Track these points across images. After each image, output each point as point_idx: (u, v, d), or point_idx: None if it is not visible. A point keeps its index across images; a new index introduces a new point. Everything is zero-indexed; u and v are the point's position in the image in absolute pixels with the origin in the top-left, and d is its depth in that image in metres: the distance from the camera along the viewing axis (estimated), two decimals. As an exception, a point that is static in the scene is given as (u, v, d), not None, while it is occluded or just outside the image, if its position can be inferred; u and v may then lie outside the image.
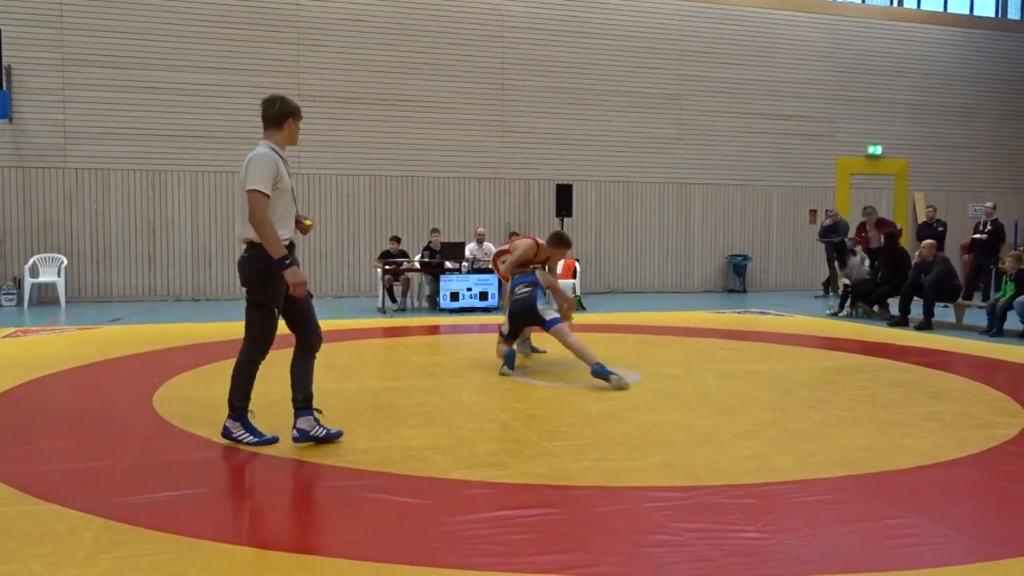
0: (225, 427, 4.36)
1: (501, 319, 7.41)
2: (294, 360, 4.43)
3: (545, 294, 6.78)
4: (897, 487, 3.70)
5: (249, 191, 4.06)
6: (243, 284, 4.27)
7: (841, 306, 11.99)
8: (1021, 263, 9.66)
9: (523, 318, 6.66)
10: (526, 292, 6.65)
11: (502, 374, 6.52)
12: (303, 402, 4.34)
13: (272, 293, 4.20)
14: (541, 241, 7.23)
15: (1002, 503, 3.57)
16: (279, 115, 4.28)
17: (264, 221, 4.03)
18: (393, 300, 12.69)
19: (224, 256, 14.44)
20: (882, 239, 11.93)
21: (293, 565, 2.76)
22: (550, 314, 6.54)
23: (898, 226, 12.47)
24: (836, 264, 12.79)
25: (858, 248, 12.23)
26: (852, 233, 13.62)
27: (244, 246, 4.23)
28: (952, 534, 3.13)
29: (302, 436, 4.28)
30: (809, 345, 8.57)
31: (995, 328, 9.53)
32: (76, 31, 13.54)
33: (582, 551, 2.90)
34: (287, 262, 4.08)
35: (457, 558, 2.82)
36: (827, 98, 17.75)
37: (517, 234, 14.12)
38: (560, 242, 7.07)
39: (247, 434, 4.33)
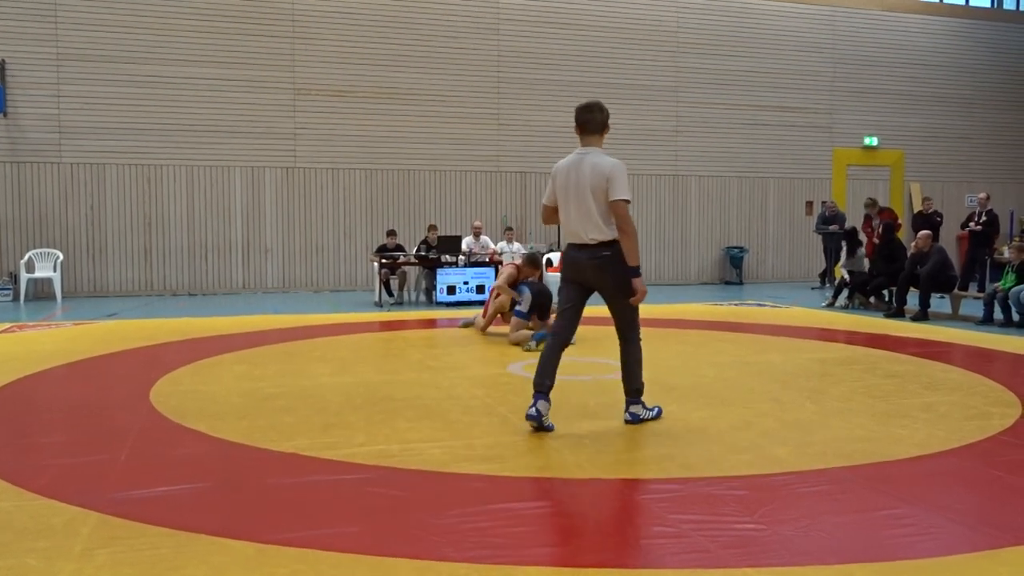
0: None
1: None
2: (623, 352, 4.70)
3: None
4: (893, 477, 3.71)
5: (620, 201, 4.35)
6: (612, 281, 4.47)
7: (835, 297, 11.99)
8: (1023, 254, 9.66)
9: (545, 300, 7.98)
10: (537, 283, 8.12)
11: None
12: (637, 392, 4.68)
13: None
14: (518, 262, 8.72)
15: (997, 493, 3.58)
16: (605, 122, 4.54)
17: (635, 230, 4.46)
18: (390, 294, 12.68)
19: (220, 250, 14.41)
20: (880, 229, 11.93)
21: (291, 559, 2.76)
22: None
23: (898, 221, 12.45)
24: (843, 253, 12.74)
25: (863, 239, 12.23)
26: (848, 224, 13.63)
27: (595, 246, 4.45)
28: (948, 524, 3.14)
29: (634, 420, 4.66)
30: (806, 336, 8.58)
31: (999, 318, 9.54)
32: (70, 26, 13.48)
33: (579, 543, 2.91)
34: (640, 271, 4.50)
35: (455, 551, 2.82)
36: (823, 89, 17.74)
37: (512, 229, 14.12)
38: (530, 263, 8.49)
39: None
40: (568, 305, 4.64)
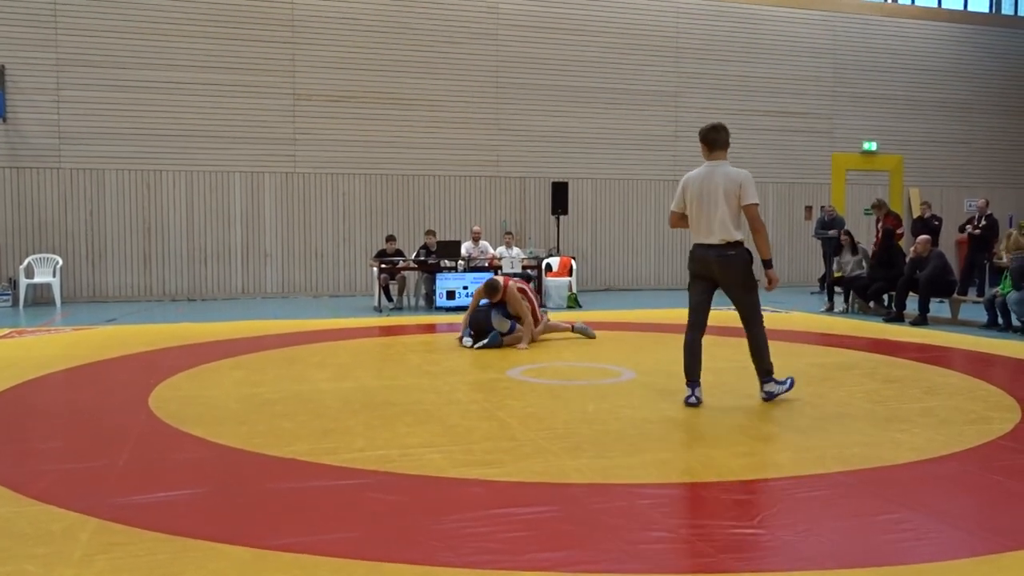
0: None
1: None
2: (750, 337, 5.36)
3: (508, 316, 8.30)
4: (893, 482, 3.70)
5: (753, 204, 5.09)
6: (734, 277, 5.17)
7: (830, 300, 11.99)
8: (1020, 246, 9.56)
9: (479, 323, 8.24)
10: (483, 307, 8.34)
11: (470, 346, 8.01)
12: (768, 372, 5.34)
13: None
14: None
15: (997, 497, 3.57)
16: (727, 140, 5.27)
17: (765, 227, 5.20)
18: (389, 299, 12.68)
19: (219, 256, 14.42)
20: (880, 234, 11.92)
21: (289, 564, 2.76)
22: (507, 324, 8.19)
23: (900, 229, 12.39)
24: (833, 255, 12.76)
25: (859, 246, 12.22)
26: (847, 227, 13.63)
27: (722, 245, 5.14)
28: (948, 529, 3.13)
29: (770, 398, 5.33)
30: (805, 341, 8.58)
31: (1001, 322, 9.54)
32: (70, 31, 13.51)
33: (578, 548, 2.90)
34: (772, 263, 5.27)
35: (454, 556, 2.82)
36: (823, 94, 17.77)
37: (511, 233, 14.13)
38: (486, 289, 8.39)
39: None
40: (699, 299, 5.35)
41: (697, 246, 5.29)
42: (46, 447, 4.39)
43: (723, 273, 5.19)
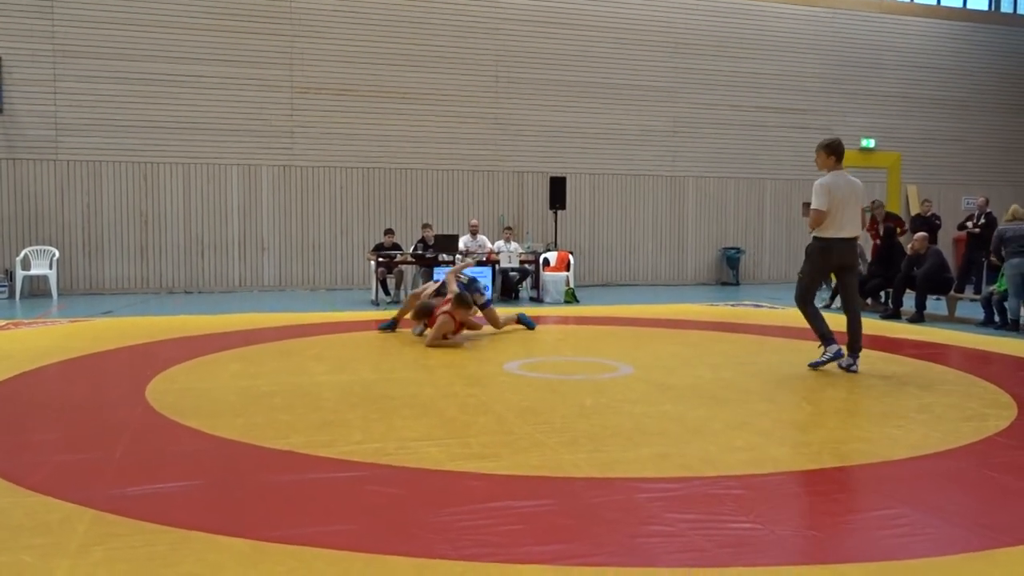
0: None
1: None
2: (853, 314, 6.51)
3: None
4: (889, 478, 3.71)
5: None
6: (856, 263, 6.52)
7: (832, 298, 12.00)
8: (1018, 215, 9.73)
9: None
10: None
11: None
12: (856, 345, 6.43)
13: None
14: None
15: (993, 494, 3.59)
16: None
17: None
18: (387, 292, 12.67)
19: (216, 248, 14.39)
20: (880, 233, 11.93)
21: (287, 556, 2.76)
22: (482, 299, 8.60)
23: (905, 226, 12.39)
24: None
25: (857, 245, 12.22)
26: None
27: (856, 239, 6.39)
28: (943, 524, 3.14)
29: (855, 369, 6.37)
30: (802, 337, 8.57)
31: (997, 320, 9.55)
32: (68, 22, 13.45)
33: (576, 542, 2.91)
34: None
35: (451, 549, 2.82)
36: (821, 91, 17.76)
37: (511, 228, 14.12)
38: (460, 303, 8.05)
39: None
40: (819, 282, 6.72)
41: (839, 240, 6.27)
42: (43, 439, 4.39)
43: (853, 259, 6.44)
